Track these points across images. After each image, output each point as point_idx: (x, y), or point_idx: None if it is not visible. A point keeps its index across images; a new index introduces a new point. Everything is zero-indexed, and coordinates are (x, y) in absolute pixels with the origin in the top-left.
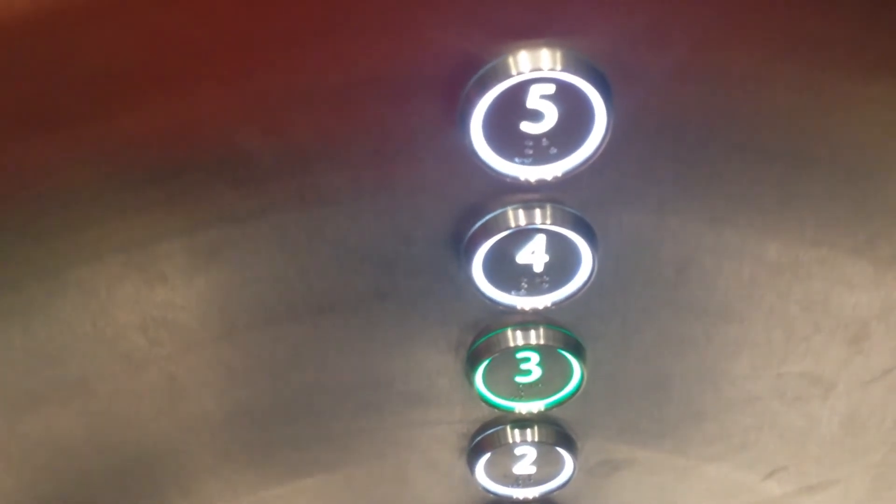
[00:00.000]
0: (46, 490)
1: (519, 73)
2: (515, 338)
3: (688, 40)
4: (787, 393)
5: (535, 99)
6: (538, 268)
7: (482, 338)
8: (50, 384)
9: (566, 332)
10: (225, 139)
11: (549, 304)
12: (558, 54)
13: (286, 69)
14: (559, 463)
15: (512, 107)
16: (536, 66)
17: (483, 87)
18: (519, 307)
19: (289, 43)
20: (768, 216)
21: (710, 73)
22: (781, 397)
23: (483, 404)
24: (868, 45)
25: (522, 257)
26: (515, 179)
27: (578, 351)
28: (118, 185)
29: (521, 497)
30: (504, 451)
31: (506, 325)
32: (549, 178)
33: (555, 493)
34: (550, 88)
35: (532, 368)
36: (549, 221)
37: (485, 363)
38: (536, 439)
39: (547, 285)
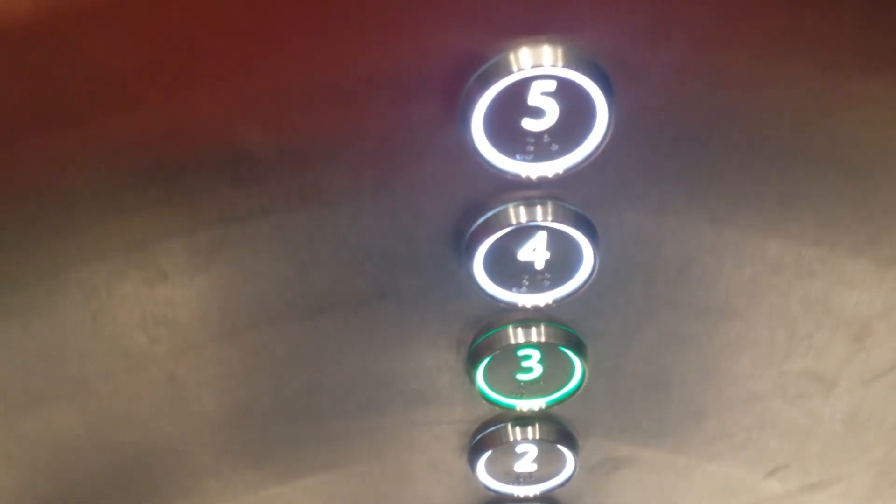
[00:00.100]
0: (46, 490)
1: (520, 70)
2: (516, 335)
3: (689, 39)
4: (789, 391)
5: (537, 96)
6: (539, 265)
7: (483, 335)
8: (50, 383)
9: (567, 330)
10: (225, 139)
11: (550, 302)
12: (560, 51)
13: (286, 68)
14: (560, 461)
15: (513, 104)
16: (538, 63)
17: (484, 84)
18: (520, 304)
19: (289, 42)
20: (769, 215)
21: (710, 72)
22: (783, 396)
23: (484, 402)
24: (868, 45)
25: (524, 254)
26: (517, 176)
27: (580, 348)
28: (118, 185)
29: (521, 495)
30: (505, 448)
31: (507, 323)
32: (550, 175)
33: (556, 491)
34: (552, 85)
35: (533, 366)
36: (550, 218)
37: (486, 361)
38: (537, 437)
39: (548, 282)
